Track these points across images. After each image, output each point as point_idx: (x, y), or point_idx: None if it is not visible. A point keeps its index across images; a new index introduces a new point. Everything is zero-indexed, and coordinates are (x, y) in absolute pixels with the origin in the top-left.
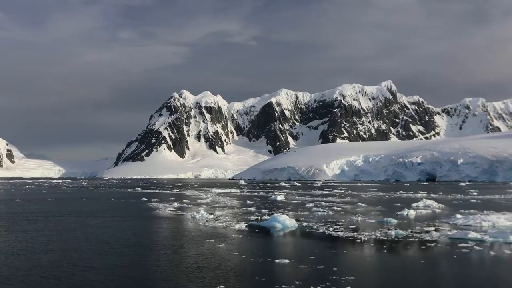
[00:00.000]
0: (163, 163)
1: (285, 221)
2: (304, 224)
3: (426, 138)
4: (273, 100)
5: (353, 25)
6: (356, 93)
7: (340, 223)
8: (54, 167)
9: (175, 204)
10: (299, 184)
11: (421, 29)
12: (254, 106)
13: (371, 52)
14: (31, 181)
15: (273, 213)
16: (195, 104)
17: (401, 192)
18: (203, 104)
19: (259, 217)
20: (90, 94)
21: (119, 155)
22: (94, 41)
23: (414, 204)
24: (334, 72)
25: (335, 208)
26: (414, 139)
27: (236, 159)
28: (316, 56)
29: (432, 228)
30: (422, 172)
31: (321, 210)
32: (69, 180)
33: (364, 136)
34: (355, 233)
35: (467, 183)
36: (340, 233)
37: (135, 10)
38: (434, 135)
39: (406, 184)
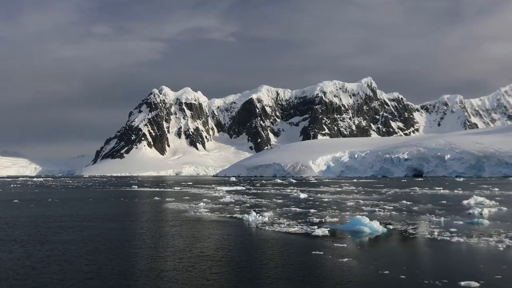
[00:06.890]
0: (143, 160)
1: (373, 225)
2: (391, 227)
3: (406, 134)
4: (254, 96)
5: (332, 22)
6: (337, 89)
7: (428, 226)
8: (29, 165)
9: (200, 204)
10: (295, 181)
11: (399, 27)
12: (234, 102)
13: (350, 49)
14: (10, 179)
15: (357, 216)
16: (175, 100)
17: (417, 188)
18: (183, 101)
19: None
20: (65, 90)
21: (98, 153)
22: (68, 36)
23: (465, 202)
24: (314, 69)
25: (385, 207)
26: (394, 135)
27: (217, 156)
28: (296, 53)
29: None
30: (409, 168)
31: (376, 209)
32: (51, 178)
33: (345, 132)
34: (476, 238)
35: (464, 179)
36: (459, 239)
37: (110, 4)
38: (413, 131)
39: (403, 180)
